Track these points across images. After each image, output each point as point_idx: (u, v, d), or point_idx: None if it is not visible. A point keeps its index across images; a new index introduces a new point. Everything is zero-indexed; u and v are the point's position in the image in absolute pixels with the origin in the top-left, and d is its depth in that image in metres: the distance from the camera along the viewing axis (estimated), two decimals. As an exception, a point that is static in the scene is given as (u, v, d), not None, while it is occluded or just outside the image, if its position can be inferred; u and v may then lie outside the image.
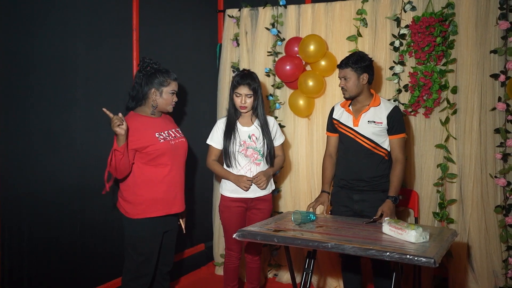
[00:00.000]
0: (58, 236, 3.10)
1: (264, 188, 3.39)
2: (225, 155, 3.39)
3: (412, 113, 3.68)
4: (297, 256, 4.07)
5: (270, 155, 3.41)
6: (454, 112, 3.60)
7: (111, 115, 2.71)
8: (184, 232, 3.30)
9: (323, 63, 3.83)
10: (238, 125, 3.40)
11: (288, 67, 3.86)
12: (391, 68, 3.73)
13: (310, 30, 4.01)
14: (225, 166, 3.42)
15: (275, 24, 4.13)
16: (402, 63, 3.70)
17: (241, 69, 4.18)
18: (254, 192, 3.39)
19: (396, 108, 3.19)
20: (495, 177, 3.50)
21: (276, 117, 4.04)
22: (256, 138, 3.37)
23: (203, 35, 4.44)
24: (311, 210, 3.20)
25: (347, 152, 3.26)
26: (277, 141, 3.48)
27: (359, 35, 3.82)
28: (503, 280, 3.50)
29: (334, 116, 3.35)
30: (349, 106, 3.28)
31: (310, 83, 3.80)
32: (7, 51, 2.77)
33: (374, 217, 2.98)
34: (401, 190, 3.22)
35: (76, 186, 3.20)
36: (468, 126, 3.54)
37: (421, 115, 3.68)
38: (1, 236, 2.77)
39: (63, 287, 3.15)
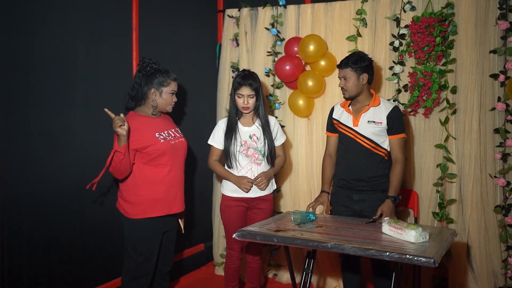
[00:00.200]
0: (58, 236, 3.11)
1: (264, 189, 3.40)
2: (226, 156, 3.40)
3: (412, 113, 3.68)
4: (297, 256, 4.07)
5: (271, 155, 3.41)
6: (454, 112, 3.60)
7: (112, 115, 2.71)
8: (183, 232, 3.30)
9: (322, 63, 3.83)
10: (239, 125, 3.40)
11: (287, 67, 3.87)
12: (391, 68, 3.73)
13: (310, 30, 4.01)
14: (226, 167, 3.43)
15: (275, 24, 4.14)
16: (401, 63, 3.70)
17: (240, 69, 4.18)
18: (255, 192, 3.39)
19: (395, 108, 3.19)
20: (495, 177, 3.50)
21: (276, 117, 4.03)
22: (257, 138, 3.38)
23: (202, 35, 4.45)
24: (310, 210, 3.20)
25: (347, 152, 3.27)
26: (278, 141, 3.49)
27: (359, 35, 3.83)
28: (502, 280, 3.50)
29: (334, 116, 3.35)
30: (349, 106, 3.28)
31: (310, 83, 3.80)
32: (7, 51, 2.77)
33: (374, 217, 2.98)
34: (400, 190, 3.22)
35: (76, 186, 3.20)
36: (467, 126, 3.54)
37: (420, 115, 3.68)
38: (1, 235, 2.77)
39: (63, 287, 3.15)
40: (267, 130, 3.39)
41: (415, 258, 2.26)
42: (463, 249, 3.61)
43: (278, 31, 4.13)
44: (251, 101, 3.31)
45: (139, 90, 3.02)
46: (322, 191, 3.36)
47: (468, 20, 3.50)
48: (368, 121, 3.16)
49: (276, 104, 4.15)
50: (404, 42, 3.68)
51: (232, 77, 4.29)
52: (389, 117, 3.13)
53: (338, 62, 3.27)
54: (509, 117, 3.44)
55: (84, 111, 3.24)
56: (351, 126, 3.22)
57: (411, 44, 3.61)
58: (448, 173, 3.61)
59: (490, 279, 3.53)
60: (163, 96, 3.03)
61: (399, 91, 3.73)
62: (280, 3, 4.10)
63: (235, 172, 3.39)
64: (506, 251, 3.49)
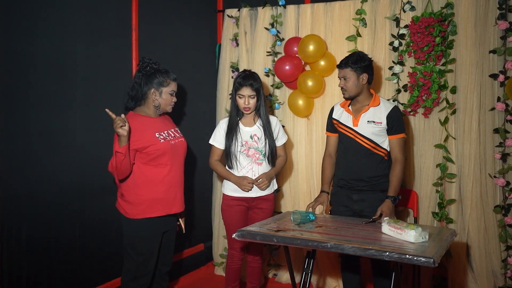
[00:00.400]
0: (58, 236, 3.11)
1: (265, 190, 3.40)
2: (227, 156, 3.40)
3: (412, 113, 3.69)
4: (297, 256, 4.07)
5: (272, 155, 3.41)
6: (453, 112, 3.60)
7: (113, 116, 2.71)
8: (184, 232, 3.30)
9: (322, 63, 3.84)
10: (240, 125, 3.40)
11: (287, 67, 3.87)
12: (391, 68, 3.73)
13: (310, 30, 4.01)
14: (226, 167, 3.43)
15: (275, 24, 4.14)
16: (401, 63, 3.70)
17: (240, 69, 4.19)
18: (256, 191, 3.39)
19: (395, 108, 3.19)
20: (494, 177, 3.50)
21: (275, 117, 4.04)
22: (258, 138, 3.38)
23: (202, 35, 4.45)
24: (310, 210, 3.20)
25: (347, 152, 3.27)
26: (280, 141, 3.48)
27: (359, 35, 3.83)
28: (502, 280, 3.50)
29: (334, 116, 3.35)
30: (348, 106, 3.28)
31: (310, 83, 3.80)
32: (7, 51, 2.77)
33: (374, 217, 2.98)
34: (400, 190, 3.22)
35: (75, 186, 3.20)
36: (467, 126, 3.55)
37: (420, 115, 3.68)
38: (0, 235, 2.77)
39: (63, 287, 3.15)
40: (268, 130, 3.39)
41: (415, 258, 2.26)
42: (463, 249, 3.61)
43: (278, 31, 4.13)
44: (252, 102, 3.31)
45: (138, 90, 3.02)
46: (321, 191, 3.36)
47: (467, 20, 3.50)
48: (368, 121, 3.17)
49: (276, 104, 4.15)
50: (403, 42, 3.68)
51: (232, 77, 4.29)
52: (389, 117, 3.14)
53: (338, 62, 3.27)
54: (508, 117, 3.44)
55: (84, 111, 3.24)
56: (351, 126, 3.22)
57: (411, 44, 3.61)
58: (448, 173, 3.61)
59: (490, 279, 3.53)
60: (163, 96, 3.03)
61: (398, 91, 3.73)
62: (280, 3, 4.10)
63: (235, 172, 3.39)
64: (506, 251, 3.49)
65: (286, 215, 3.22)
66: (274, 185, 3.51)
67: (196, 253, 4.45)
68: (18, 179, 2.86)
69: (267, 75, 4.16)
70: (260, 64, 4.18)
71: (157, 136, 2.96)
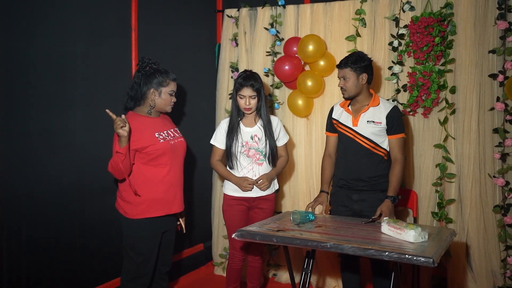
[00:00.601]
0: (57, 236, 3.11)
1: (265, 190, 3.40)
2: (227, 156, 3.40)
3: (411, 113, 3.69)
4: (296, 256, 4.07)
5: (273, 155, 3.41)
6: (453, 112, 3.60)
7: (114, 116, 2.71)
8: (184, 231, 3.30)
9: (322, 63, 3.84)
10: (241, 125, 3.40)
11: (287, 67, 3.87)
12: (390, 68, 3.73)
13: (309, 30, 4.01)
14: (227, 167, 3.43)
15: (274, 24, 4.14)
16: (400, 63, 3.70)
17: (240, 69, 4.19)
18: (257, 191, 3.40)
19: (395, 108, 3.19)
20: (494, 176, 3.50)
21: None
22: (259, 138, 3.38)
23: (202, 35, 4.45)
24: (310, 210, 3.20)
25: (346, 152, 3.27)
26: (281, 141, 3.48)
27: (358, 35, 3.83)
28: (501, 279, 3.50)
29: (334, 116, 3.35)
30: (348, 106, 3.28)
31: (309, 83, 3.81)
32: (7, 51, 2.77)
33: (373, 217, 2.98)
34: (400, 190, 3.22)
35: (75, 186, 3.20)
36: (466, 126, 3.55)
37: (419, 115, 3.68)
38: (0, 235, 2.77)
39: (62, 287, 3.15)
40: (269, 131, 3.39)
41: (414, 258, 2.27)
42: (462, 249, 3.61)
43: (277, 31, 4.13)
44: (253, 102, 3.31)
45: (138, 90, 3.02)
46: (321, 191, 3.36)
47: (467, 20, 3.50)
48: (368, 121, 3.17)
49: (276, 104, 4.15)
50: (403, 42, 3.68)
51: (232, 77, 4.29)
52: (389, 117, 3.14)
53: (338, 62, 3.27)
54: (508, 117, 3.44)
55: (84, 111, 3.24)
56: (351, 126, 3.23)
57: (410, 44, 3.62)
58: (447, 173, 3.62)
59: (489, 279, 3.53)
60: (162, 96, 3.02)
61: (398, 91, 3.73)
62: (279, 3, 4.10)
63: (236, 172, 3.40)
64: (505, 251, 3.50)
65: (286, 215, 3.22)
66: (275, 185, 3.51)
67: (195, 253, 4.45)
68: (18, 179, 2.87)
69: (267, 75, 4.16)
70: (259, 64, 4.18)
71: (157, 136, 2.96)
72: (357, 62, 3.12)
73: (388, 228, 2.65)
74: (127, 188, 2.94)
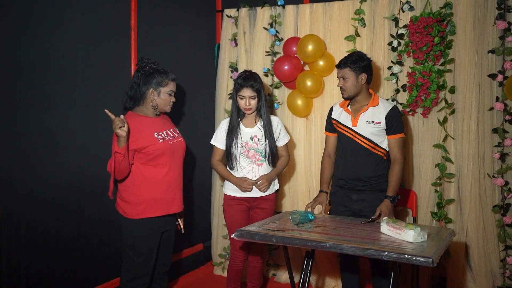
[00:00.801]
0: (57, 236, 3.11)
1: (265, 191, 3.40)
2: (227, 156, 3.40)
3: (410, 113, 3.69)
4: (296, 256, 4.07)
5: (272, 156, 3.41)
6: (452, 112, 3.60)
7: (112, 116, 2.71)
8: (183, 232, 3.30)
9: (321, 63, 3.84)
10: (241, 126, 3.40)
11: (286, 67, 3.87)
12: (389, 68, 3.73)
13: (308, 30, 4.01)
14: (227, 167, 3.43)
15: (273, 24, 4.14)
16: (400, 63, 3.70)
17: (239, 69, 4.19)
18: (257, 191, 3.39)
19: (394, 108, 3.20)
20: (493, 176, 3.50)
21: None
22: (258, 139, 3.37)
23: (201, 35, 4.45)
24: (309, 210, 3.20)
25: (346, 152, 3.27)
26: (281, 142, 3.48)
27: (357, 35, 3.83)
28: (501, 279, 3.50)
29: (333, 116, 3.35)
30: (347, 106, 3.28)
31: (308, 83, 3.81)
32: (6, 51, 2.77)
33: (373, 217, 2.99)
34: (399, 189, 3.23)
35: (75, 186, 3.20)
36: (466, 126, 3.55)
37: (419, 115, 3.68)
38: (0, 235, 2.77)
39: (61, 287, 3.15)
40: (269, 131, 3.38)
41: (414, 258, 2.27)
42: (462, 249, 3.61)
43: (277, 31, 4.13)
44: (253, 102, 3.31)
45: (137, 90, 3.02)
46: (320, 191, 3.36)
47: (466, 20, 3.50)
48: (367, 121, 3.17)
49: (275, 104, 4.15)
50: (402, 42, 3.69)
51: (231, 77, 4.29)
52: (388, 117, 3.14)
53: (337, 62, 3.27)
54: (507, 117, 3.44)
55: (83, 111, 3.24)
56: (350, 126, 3.23)
57: (410, 44, 3.62)
58: (447, 173, 3.62)
59: (489, 279, 3.53)
60: (161, 96, 3.02)
61: (397, 91, 3.73)
62: (279, 3, 4.10)
63: (236, 173, 3.40)
64: (505, 251, 3.50)
65: (285, 215, 3.22)
66: (275, 185, 3.51)
67: (195, 253, 4.45)
68: (18, 179, 2.87)
69: (266, 75, 4.15)
70: (259, 64, 4.18)
71: (156, 136, 2.96)
72: (357, 62, 3.12)
73: (387, 228, 2.65)
74: (127, 188, 2.94)
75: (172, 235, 3.18)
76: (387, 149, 3.20)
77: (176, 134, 3.14)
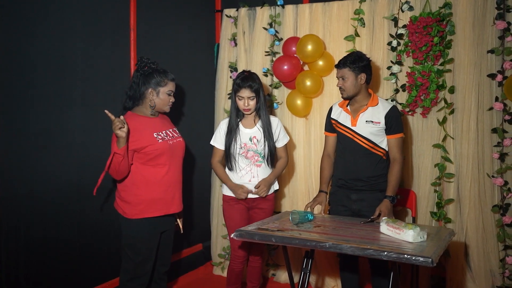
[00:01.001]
0: (56, 236, 3.10)
1: (265, 196, 3.40)
2: (226, 157, 3.39)
3: (410, 113, 3.69)
4: (295, 255, 4.07)
5: (271, 157, 3.40)
6: (452, 112, 3.60)
7: (112, 117, 2.71)
8: (182, 232, 3.30)
9: (320, 63, 3.84)
10: (241, 126, 3.39)
11: (285, 67, 3.87)
12: (389, 68, 3.73)
13: (308, 30, 4.01)
14: (226, 168, 3.42)
15: (273, 24, 4.14)
16: (399, 63, 3.70)
17: (239, 69, 4.19)
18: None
19: (394, 108, 3.19)
20: (493, 176, 3.51)
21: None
22: (257, 140, 3.36)
23: (200, 35, 4.45)
24: (309, 210, 3.20)
25: (345, 152, 3.27)
26: (280, 142, 3.46)
27: (357, 35, 3.83)
28: (500, 279, 3.50)
29: (332, 116, 3.35)
30: (347, 106, 3.28)
31: (308, 83, 3.80)
32: (6, 51, 2.77)
33: (372, 217, 2.99)
34: (398, 189, 3.23)
35: (74, 186, 3.20)
36: (465, 126, 3.55)
37: (418, 114, 3.68)
38: (-1, 236, 2.77)
39: (61, 287, 3.15)
40: (269, 132, 3.37)
41: (413, 258, 2.27)
42: (461, 249, 3.62)
43: (276, 31, 4.13)
44: (252, 103, 3.29)
45: (136, 89, 3.02)
46: (320, 191, 3.36)
47: (466, 20, 3.50)
48: (366, 121, 3.17)
49: (274, 104, 4.15)
50: (402, 42, 3.69)
51: (230, 77, 4.29)
52: (387, 117, 3.14)
53: (336, 62, 3.27)
54: (506, 117, 3.44)
55: (82, 111, 3.24)
56: (349, 126, 3.23)
57: (409, 44, 3.62)
58: (446, 173, 3.62)
59: (488, 279, 3.54)
60: (160, 96, 3.02)
61: (397, 91, 3.73)
62: (278, 3, 4.09)
63: (234, 174, 3.39)
64: (504, 251, 3.50)
65: (285, 215, 3.22)
66: (274, 186, 3.50)
67: (194, 253, 4.45)
68: (17, 179, 2.86)
69: (266, 75, 4.15)
70: (258, 64, 4.18)
71: (155, 136, 2.96)
72: (356, 62, 3.12)
73: (387, 228, 2.65)
74: (126, 188, 2.94)
75: (172, 235, 3.18)
76: (387, 149, 3.20)
77: (175, 134, 3.14)
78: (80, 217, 3.26)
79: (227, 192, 3.43)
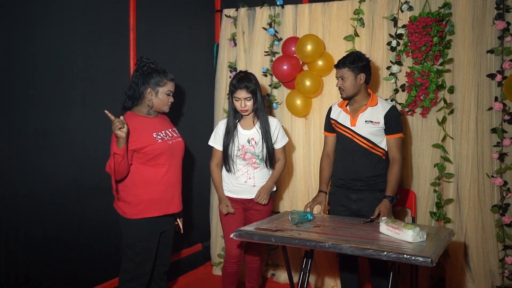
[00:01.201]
0: (56, 236, 3.10)
1: (266, 203, 3.39)
2: (224, 159, 3.38)
3: (409, 113, 3.69)
4: (295, 255, 4.07)
5: (270, 158, 3.39)
6: (451, 112, 3.60)
7: (112, 117, 2.71)
8: (182, 232, 3.30)
9: (320, 63, 3.84)
10: (239, 127, 3.38)
11: (285, 67, 3.87)
12: (388, 68, 3.73)
13: (307, 30, 4.01)
14: (224, 170, 3.42)
15: (272, 24, 4.14)
16: (399, 63, 3.70)
17: (238, 69, 4.19)
18: (252, 193, 3.38)
19: (393, 108, 3.20)
20: (492, 176, 3.51)
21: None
22: (256, 142, 3.35)
23: (200, 35, 4.45)
24: (308, 210, 3.20)
25: (345, 152, 3.27)
26: (279, 144, 3.44)
27: (356, 35, 3.83)
28: (499, 279, 3.51)
29: (332, 116, 3.35)
30: (346, 106, 3.28)
31: (307, 83, 3.80)
32: (6, 51, 2.77)
33: (372, 217, 2.99)
34: (398, 189, 3.22)
35: (74, 186, 3.20)
36: (465, 126, 3.55)
37: (418, 114, 3.69)
38: (-1, 236, 2.77)
39: (60, 287, 3.15)
40: (267, 133, 3.35)
41: (413, 258, 2.27)
42: (461, 249, 3.62)
43: (276, 31, 4.13)
44: (249, 104, 3.27)
45: (136, 89, 3.01)
46: (319, 191, 3.36)
47: (465, 20, 3.50)
48: (366, 121, 3.17)
49: (274, 104, 4.15)
50: (401, 42, 3.69)
51: (230, 77, 4.29)
52: (387, 117, 3.14)
53: (336, 62, 3.27)
54: (506, 117, 3.44)
55: (82, 111, 3.24)
56: (349, 126, 3.23)
57: (409, 44, 3.62)
58: (446, 173, 3.62)
59: (488, 279, 3.54)
60: (159, 96, 3.02)
61: (396, 91, 3.73)
62: (278, 3, 4.09)
63: (232, 175, 3.39)
64: (503, 251, 3.50)
65: (284, 215, 3.22)
66: (273, 188, 3.49)
67: (194, 253, 4.45)
68: (17, 178, 2.86)
69: (265, 75, 4.16)
70: (258, 64, 4.18)
71: (155, 136, 2.96)
72: (355, 62, 3.12)
73: (386, 228, 2.65)
74: (126, 188, 2.94)
75: (171, 235, 3.18)
76: (386, 149, 3.20)
77: (175, 134, 3.14)
78: (80, 217, 3.26)
79: (225, 192, 3.42)
